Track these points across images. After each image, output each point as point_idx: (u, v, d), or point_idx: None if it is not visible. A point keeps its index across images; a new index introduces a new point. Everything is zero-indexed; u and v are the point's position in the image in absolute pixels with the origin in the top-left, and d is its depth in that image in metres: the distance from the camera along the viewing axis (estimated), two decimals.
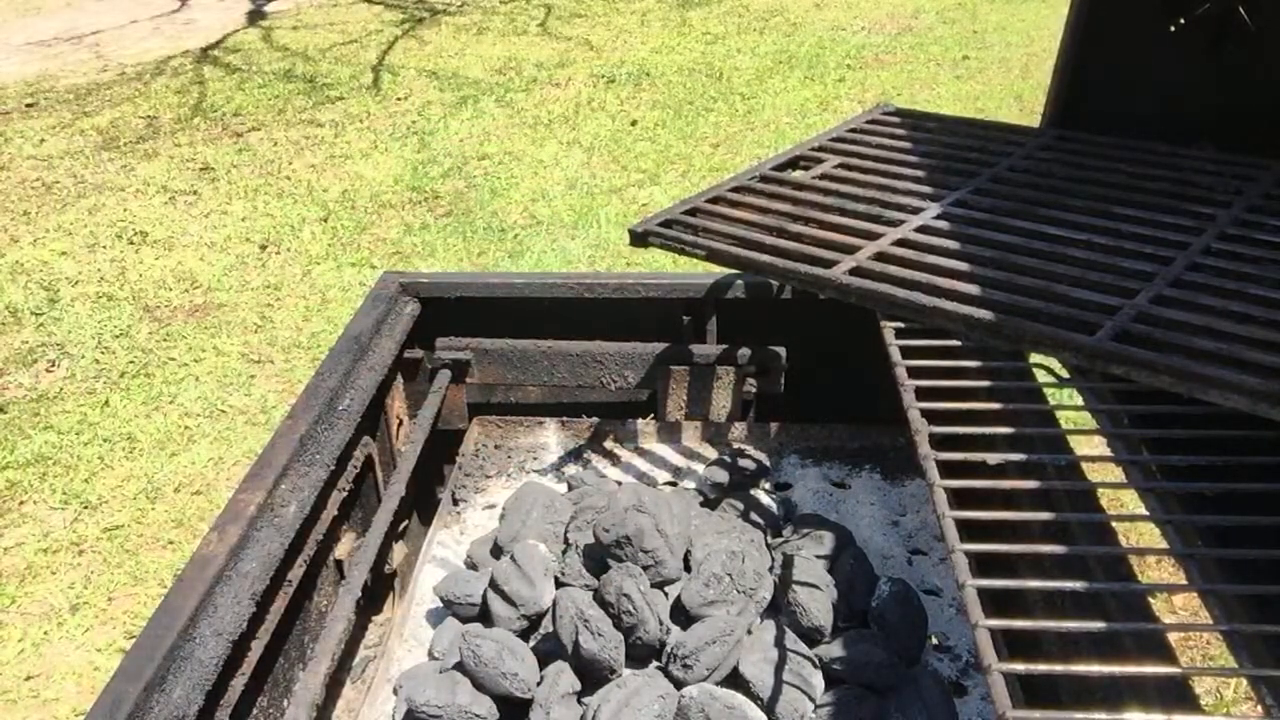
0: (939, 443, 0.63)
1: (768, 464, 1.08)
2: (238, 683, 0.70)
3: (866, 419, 1.12)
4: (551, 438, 1.16)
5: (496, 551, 0.95)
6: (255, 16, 5.58)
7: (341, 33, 5.36)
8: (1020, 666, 0.49)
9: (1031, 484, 0.69)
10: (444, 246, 3.23)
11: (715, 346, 1.09)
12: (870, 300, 0.72)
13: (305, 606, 0.86)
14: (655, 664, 0.81)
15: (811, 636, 0.81)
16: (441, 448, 1.13)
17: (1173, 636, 1.32)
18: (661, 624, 0.80)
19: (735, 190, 0.90)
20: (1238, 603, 0.61)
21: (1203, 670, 1.39)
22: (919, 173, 0.92)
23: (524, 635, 0.84)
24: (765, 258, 0.78)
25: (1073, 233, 0.78)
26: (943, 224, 0.81)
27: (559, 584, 0.87)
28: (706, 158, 3.78)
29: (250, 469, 0.81)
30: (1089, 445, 1.60)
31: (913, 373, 0.69)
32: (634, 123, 4.11)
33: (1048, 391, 0.80)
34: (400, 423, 1.10)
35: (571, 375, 1.10)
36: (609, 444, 1.14)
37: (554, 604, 0.83)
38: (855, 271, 0.74)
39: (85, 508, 1.92)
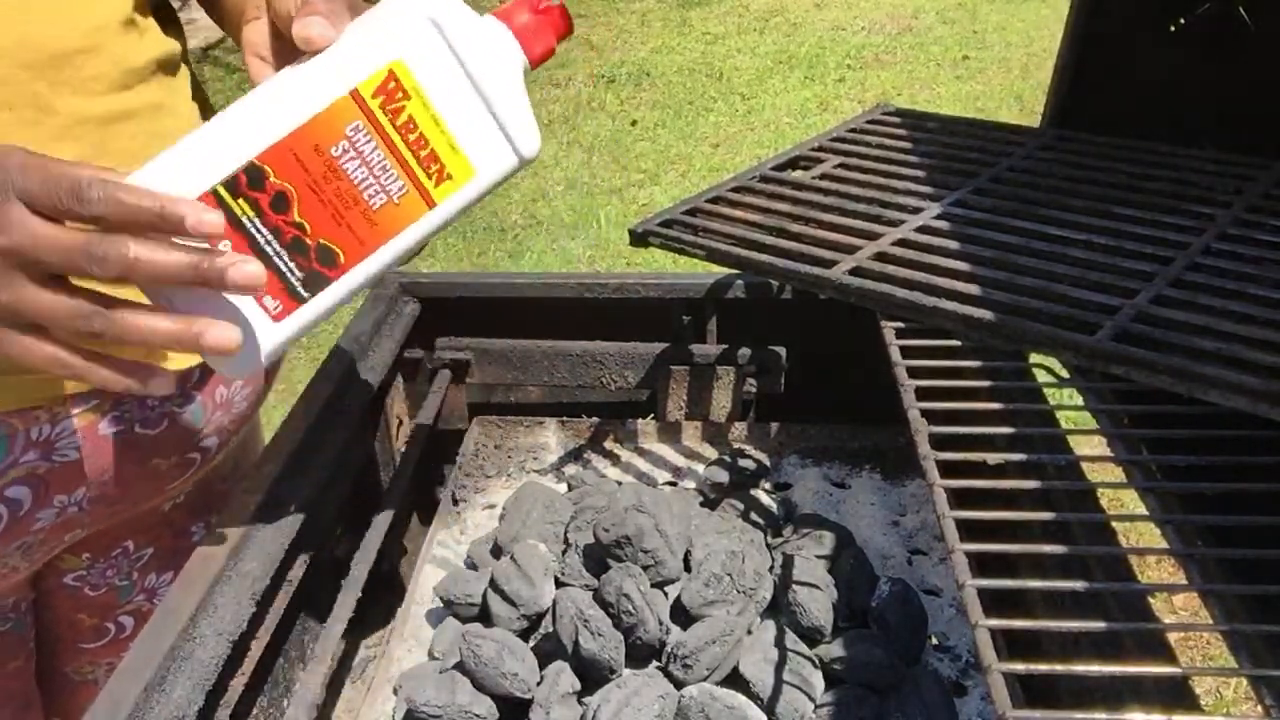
0: (939, 443, 0.63)
1: (768, 464, 1.08)
2: (238, 683, 0.70)
3: (866, 419, 1.12)
4: (551, 438, 1.16)
5: (496, 551, 0.95)
6: None
7: None
8: (1020, 666, 0.49)
9: (1031, 484, 0.69)
10: (444, 246, 3.23)
11: (715, 346, 1.09)
12: (870, 300, 0.72)
13: (305, 606, 0.86)
14: (655, 664, 0.81)
15: (811, 636, 0.81)
16: (441, 448, 1.13)
17: (1173, 636, 1.32)
18: (661, 624, 0.80)
19: (735, 190, 0.90)
20: (1238, 603, 0.61)
21: (1203, 670, 1.39)
22: (919, 173, 0.92)
23: (524, 635, 0.84)
24: (765, 258, 0.78)
25: (1073, 233, 0.78)
26: (943, 224, 0.81)
27: (559, 584, 0.87)
28: (706, 158, 3.78)
29: (250, 469, 0.81)
30: (1089, 445, 1.60)
31: (913, 373, 0.69)
32: (634, 123, 4.11)
33: (1048, 391, 0.80)
34: (400, 423, 1.10)
35: (571, 375, 1.10)
36: (609, 444, 1.14)
37: (554, 604, 0.83)
38: (855, 271, 0.74)
39: None
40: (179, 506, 0.90)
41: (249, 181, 0.54)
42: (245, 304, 0.56)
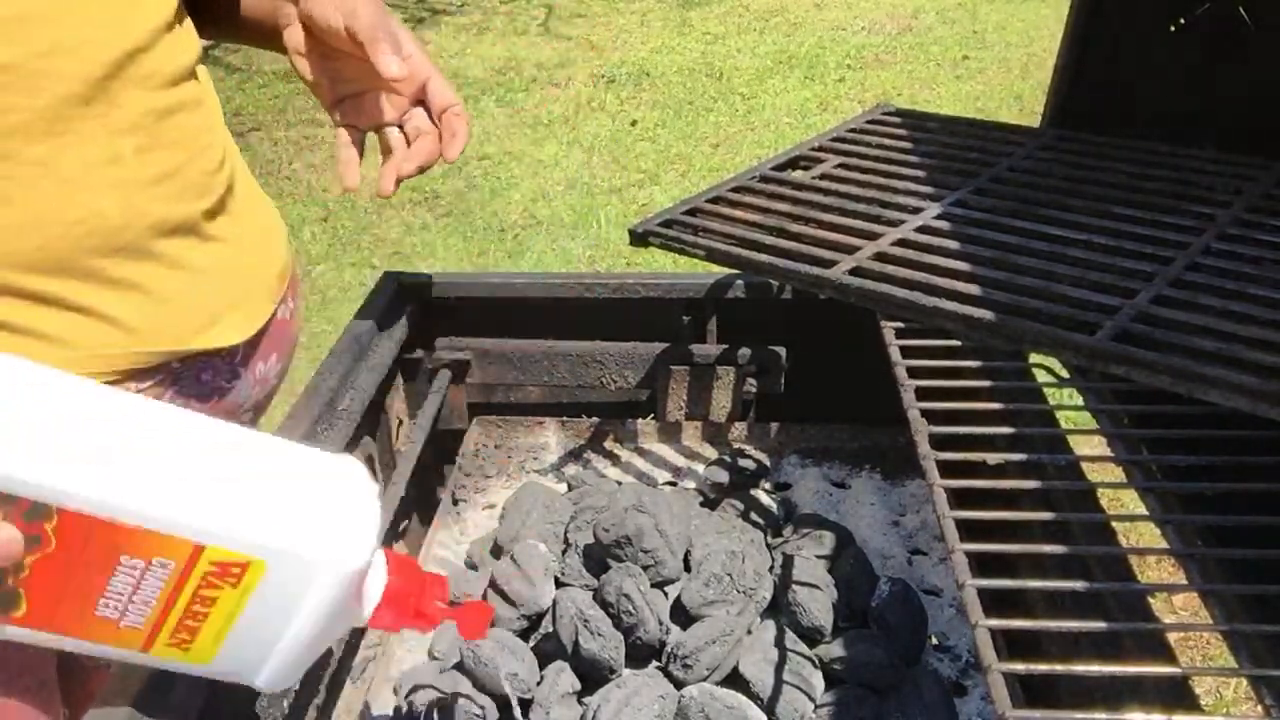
0: (939, 443, 0.63)
1: (768, 464, 1.08)
2: None
3: (866, 419, 1.12)
4: (551, 438, 1.16)
5: (496, 551, 0.95)
6: None
7: None
8: (1020, 666, 0.49)
9: (1031, 484, 0.69)
10: (444, 246, 3.22)
11: (715, 346, 1.09)
12: (870, 300, 0.72)
13: None
14: (655, 664, 0.81)
15: (811, 636, 0.82)
16: (441, 448, 1.13)
17: (1173, 636, 1.32)
18: (661, 624, 0.80)
19: (735, 190, 0.90)
20: (1238, 603, 0.61)
21: (1203, 670, 1.39)
22: (919, 173, 0.92)
23: (524, 635, 0.84)
24: (765, 258, 0.78)
25: (1073, 233, 0.78)
26: (943, 224, 0.81)
27: (559, 584, 0.87)
28: (706, 158, 3.78)
29: None
30: (1089, 445, 1.60)
31: (913, 373, 0.69)
32: (634, 123, 4.10)
33: (1048, 391, 0.80)
34: (400, 423, 1.10)
35: (571, 375, 1.10)
36: (609, 444, 1.14)
37: (554, 604, 0.83)
38: (855, 271, 0.74)
39: None
40: None
41: (32, 511, 0.47)
42: None
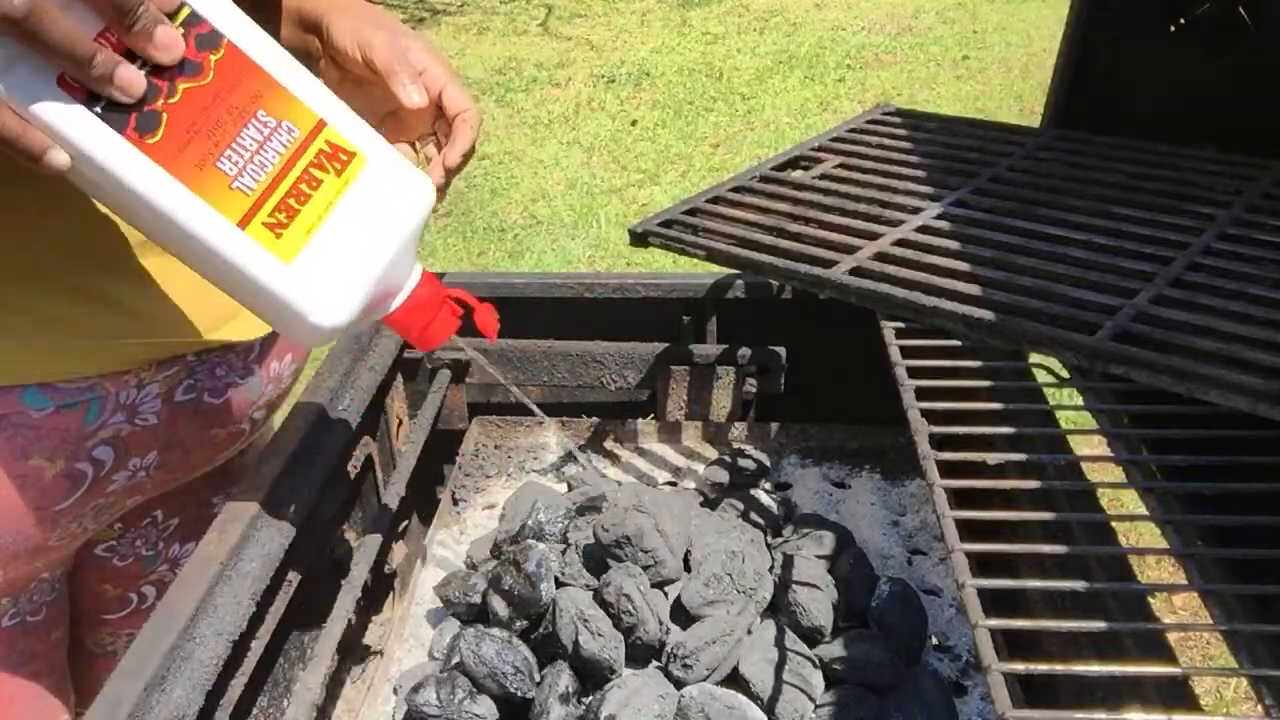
0: (939, 443, 0.63)
1: (768, 464, 1.08)
2: (238, 683, 0.70)
3: (866, 419, 1.12)
4: (551, 438, 1.16)
5: (496, 551, 0.95)
6: None
7: None
8: (1020, 666, 0.49)
9: (1031, 484, 0.69)
10: (444, 246, 3.23)
11: (715, 346, 1.09)
12: (870, 300, 0.72)
13: (305, 607, 0.86)
14: (655, 664, 0.81)
15: (811, 636, 0.81)
16: (441, 448, 1.13)
17: (1173, 636, 1.32)
18: (661, 624, 0.80)
19: (735, 190, 0.90)
20: (1238, 603, 0.61)
21: (1203, 670, 1.39)
22: (919, 173, 0.92)
23: (524, 635, 0.84)
24: (765, 258, 0.78)
25: (1073, 233, 0.78)
26: (943, 224, 0.81)
27: (559, 584, 0.87)
28: (706, 158, 3.78)
29: (250, 469, 0.81)
30: (1089, 445, 1.60)
31: (913, 373, 0.69)
32: (634, 123, 4.11)
33: (1048, 391, 0.80)
34: (400, 423, 1.10)
35: (571, 375, 1.10)
36: (609, 444, 1.14)
37: (554, 604, 0.83)
38: (855, 271, 0.74)
39: None
40: (202, 477, 0.93)
41: (207, 39, 0.53)
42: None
